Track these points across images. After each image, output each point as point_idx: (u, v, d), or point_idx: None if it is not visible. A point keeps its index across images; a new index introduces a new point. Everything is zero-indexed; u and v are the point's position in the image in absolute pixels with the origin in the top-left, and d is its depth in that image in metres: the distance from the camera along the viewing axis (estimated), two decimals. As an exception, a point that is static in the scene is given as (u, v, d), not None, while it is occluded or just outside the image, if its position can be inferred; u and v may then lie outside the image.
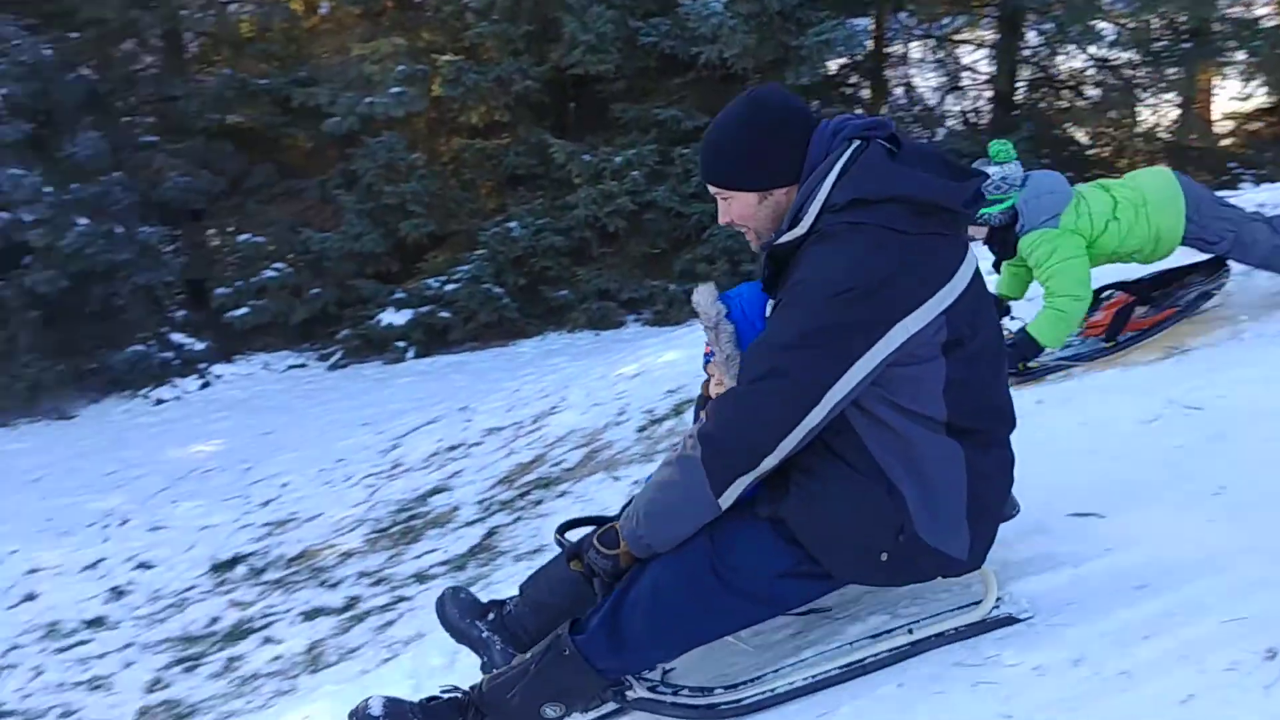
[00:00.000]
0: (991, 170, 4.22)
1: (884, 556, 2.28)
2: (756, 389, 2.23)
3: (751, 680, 2.44)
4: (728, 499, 2.26)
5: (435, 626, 4.25)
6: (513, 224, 11.78)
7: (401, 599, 4.74)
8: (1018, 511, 2.53)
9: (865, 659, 2.38)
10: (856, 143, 2.27)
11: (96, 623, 5.36)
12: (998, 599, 2.39)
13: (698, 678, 2.48)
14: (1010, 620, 2.36)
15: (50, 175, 10.97)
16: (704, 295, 2.50)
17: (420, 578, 4.84)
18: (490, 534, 5.07)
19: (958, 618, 2.40)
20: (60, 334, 11.40)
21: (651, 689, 2.39)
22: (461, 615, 2.55)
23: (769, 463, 2.23)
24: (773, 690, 2.39)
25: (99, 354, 11.58)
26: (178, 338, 11.89)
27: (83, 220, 10.96)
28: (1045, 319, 4.14)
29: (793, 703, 2.35)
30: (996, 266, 4.56)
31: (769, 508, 2.30)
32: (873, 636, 2.45)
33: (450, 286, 11.75)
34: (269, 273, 12.10)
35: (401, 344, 11.69)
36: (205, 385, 11.61)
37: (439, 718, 2.37)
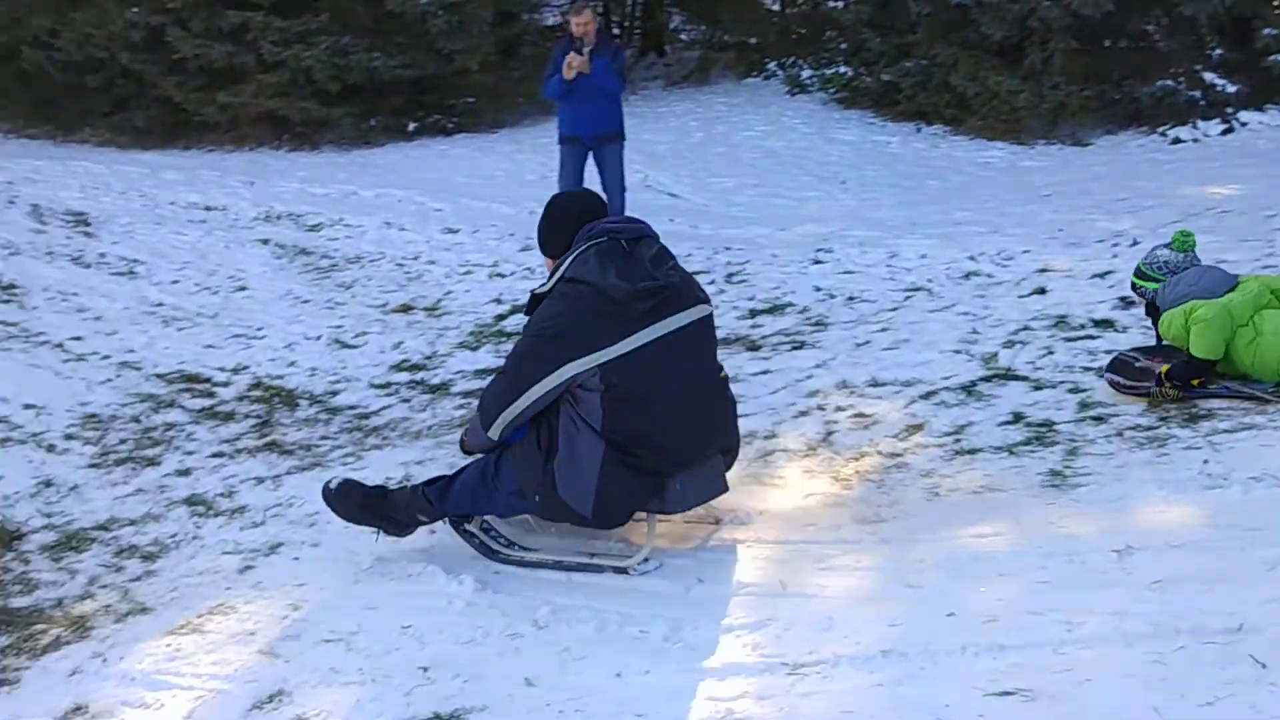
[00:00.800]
0: (1161, 252, 4.61)
1: (536, 498, 3.50)
2: (498, 376, 3.61)
3: (533, 550, 3.70)
4: (494, 434, 3.51)
5: None
6: None
7: None
8: (685, 509, 3.60)
9: (567, 561, 3.58)
10: (602, 239, 3.44)
11: (1104, 324, 5.46)
12: (644, 559, 3.50)
13: (528, 540, 3.77)
14: (623, 570, 3.50)
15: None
16: None
17: None
18: None
19: (618, 560, 3.56)
20: (1092, 60, 11.45)
21: (483, 530, 3.73)
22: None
23: (501, 422, 3.47)
24: (522, 559, 3.66)
25: (1125, 85, 11.45)
26: (1210, 77, 11.25)
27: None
28: (1192, 334, 4.25)
29: (538, 571, 3.60)
30: (1158, 340, 4.61)
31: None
32: (590, 555, 3.63)
33: None
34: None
35: None
36: (1227, 130, 10.93)
37: (372, 499, 3.76)
